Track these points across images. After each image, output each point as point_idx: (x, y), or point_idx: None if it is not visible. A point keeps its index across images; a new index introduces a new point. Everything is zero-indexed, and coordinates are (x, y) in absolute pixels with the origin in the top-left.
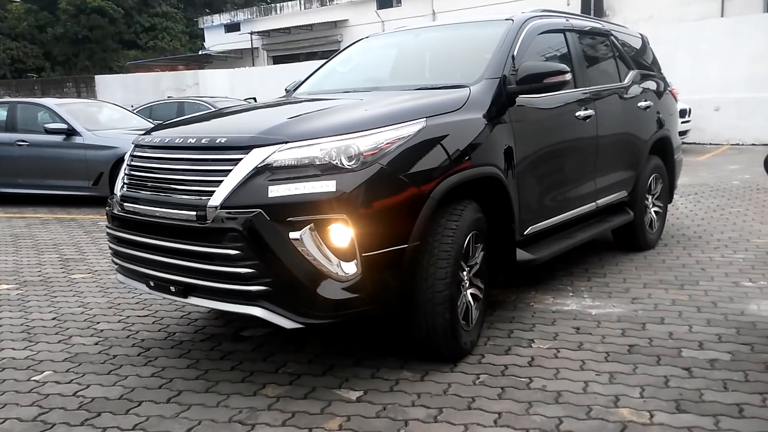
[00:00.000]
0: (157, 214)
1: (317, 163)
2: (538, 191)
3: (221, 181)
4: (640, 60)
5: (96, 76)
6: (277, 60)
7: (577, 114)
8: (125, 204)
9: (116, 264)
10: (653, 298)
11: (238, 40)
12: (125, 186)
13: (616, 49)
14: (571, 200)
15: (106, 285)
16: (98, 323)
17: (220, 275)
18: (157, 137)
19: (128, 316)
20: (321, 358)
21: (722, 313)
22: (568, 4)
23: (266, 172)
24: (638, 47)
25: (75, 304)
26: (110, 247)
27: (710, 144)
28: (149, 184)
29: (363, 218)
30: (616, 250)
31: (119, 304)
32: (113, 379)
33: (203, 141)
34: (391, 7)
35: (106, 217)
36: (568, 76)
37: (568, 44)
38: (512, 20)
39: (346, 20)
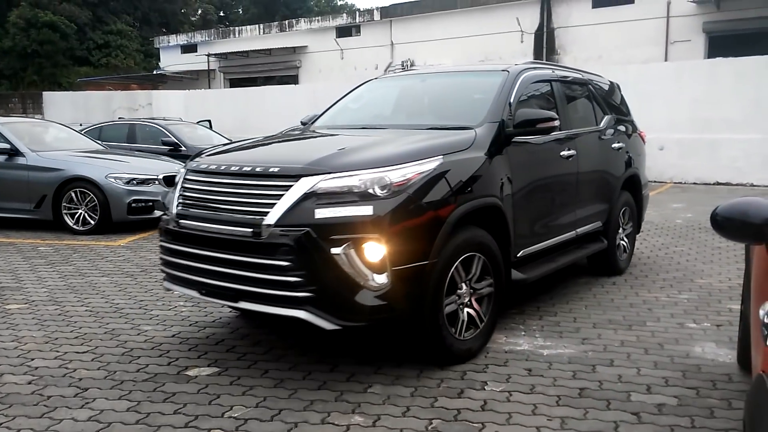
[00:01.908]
0: (214, 230)
1: (355, 191)
2: (529, 219)
3: (275, 204)
4: (613, 105)
5: (44, 93)
6: (234, 83)
7: (561, 153)
8: (181, 221)
9: (165, 273)
10: (603, 339)
11: (195, 61)
12: (180, 205)
13: (593, 95)
14: (556, 228)
15: (43, 317)
16: (33, 359)
17: (271, 283)
18: (213, 164)
19: (65, 352)
20: (269, 402)
21: (668, 356)
22: (522, 41)
23: (313, 197)
24: (611, 93)
25: (8, 338)
26: (162, 259)
27: (655, 182)
28: (205, 204)
29: (393, 238)
30: (566, 287)
31: (57, 338)
32: (46, 423)
33: (257, 169)
34: (351, 36)
35: (159, 231)
36: (557, 122)
37: (554, 92)
38: (508, 71)
39: (305, 46)
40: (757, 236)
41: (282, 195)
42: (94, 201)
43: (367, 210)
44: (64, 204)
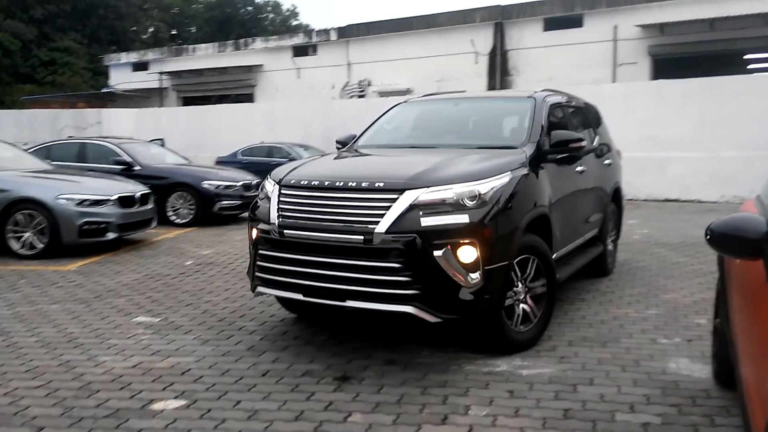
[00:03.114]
0: (321, 238)
1: (449, 202)
2: (561, 226)
3: (384, 214)
4: (597, 126)
5: None
6: (188, 101)
7: (577, 169)
8: (284, 231)
9: (259, 279)
10: (580, 357)
11: (146, 79)
12: (281, 217)
13: (587, 118)
14: (574, 234)
15: None
16: None
17: (381, 283)
18: (314, 179)
19: (16, 388)
20: None
21: (646, 372)
22: (476, 63)
23: (416, 208)
24: (595, 115)
25: None
26: (259, 266)
27: None
28: (309, 215)
29: (484, 241)
30: None
31: (5, 372)
32: None
33: (363, 184)
34: (307, 55)
35: (254, 241)
36: (585, 143)
37: (565, 115)
38: (534, 98)
39: (260, 65)
40: (754, 252)
41: (390, 206)
42: (43, 223)
43: (463, 218)
44: (9, 227)
